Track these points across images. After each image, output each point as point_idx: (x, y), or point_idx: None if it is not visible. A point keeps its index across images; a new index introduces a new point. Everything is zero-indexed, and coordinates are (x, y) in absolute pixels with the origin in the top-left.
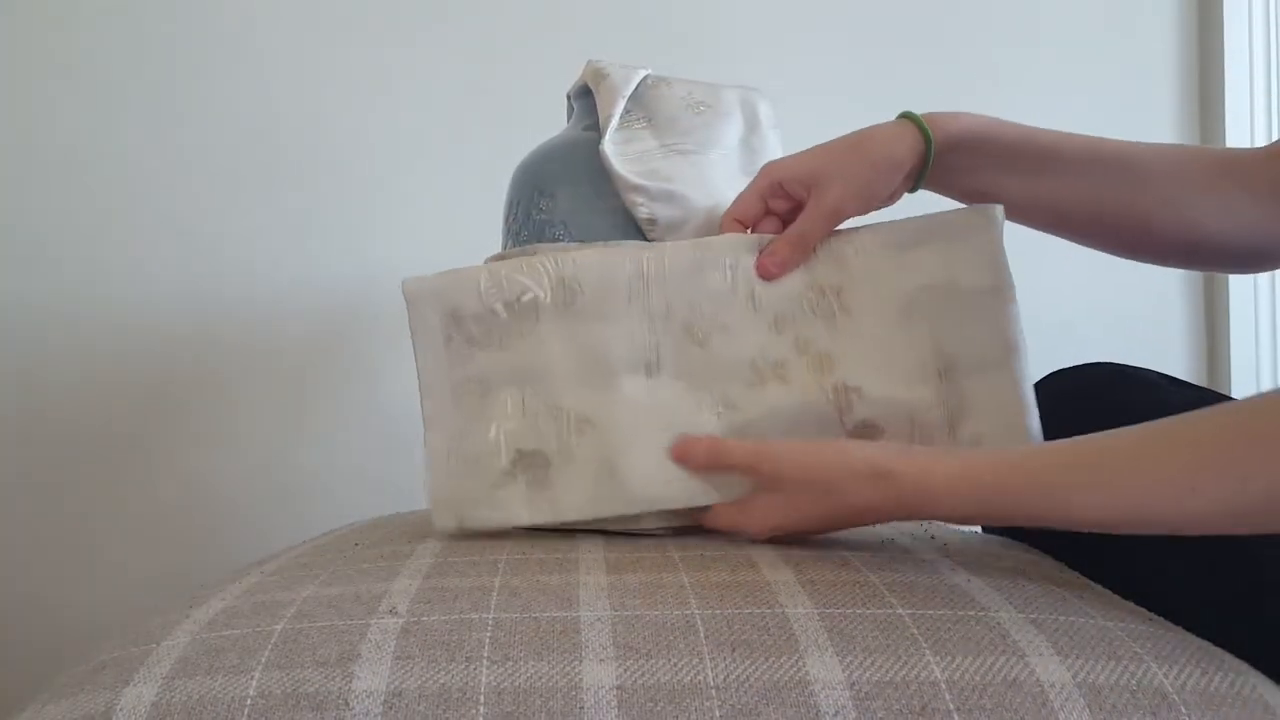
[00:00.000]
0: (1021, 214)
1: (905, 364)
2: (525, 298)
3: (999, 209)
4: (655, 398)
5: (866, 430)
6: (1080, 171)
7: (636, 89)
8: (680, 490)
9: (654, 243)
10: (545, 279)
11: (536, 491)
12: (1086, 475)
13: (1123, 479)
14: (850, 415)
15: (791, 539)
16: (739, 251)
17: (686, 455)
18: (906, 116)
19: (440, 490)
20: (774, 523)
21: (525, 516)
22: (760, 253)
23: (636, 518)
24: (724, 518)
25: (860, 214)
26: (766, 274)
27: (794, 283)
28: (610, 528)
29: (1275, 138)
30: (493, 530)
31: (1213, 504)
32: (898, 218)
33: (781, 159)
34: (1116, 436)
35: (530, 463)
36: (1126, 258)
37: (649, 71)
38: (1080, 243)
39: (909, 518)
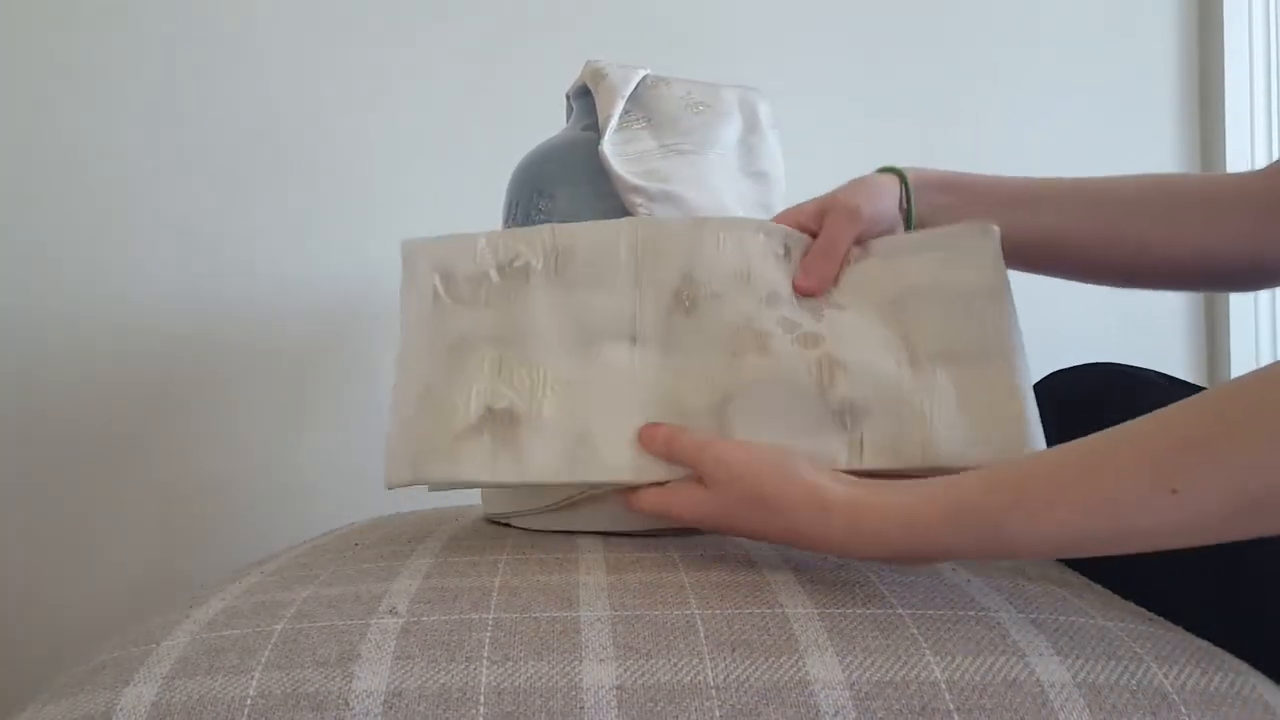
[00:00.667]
0: (1013, 255)
1: (894, 347)
2: (518, 263)
3: (996, 227)
4: (636, 368)
5: (852, 412)
6: (1066, 202)
7: (635, 89)
8: (648, 464)
9: (653, 217)
10: (540, 247)
11: (502, 449)
12: (1043, 490)
13: (1081, 489)
14: (833, 391)
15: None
16: (738, 230)
17: (649, 441)
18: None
19: (398, 439)
20: (701, 513)
21: (485, 475)
22: (797, 276)
23: (636, 518)
24: (648, 498)
25: (874, 217)
26: (806, 292)
27: (788, 280)
28: (610, 529)
29: (1275, 137)
30: (447, 486)
31: (1201, 508)
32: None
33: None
34: (1070, 447)
35: (499, 420)
36: (1124, 286)
37: (648, 71)
38: (1078, 278)
39: (846, 556)
